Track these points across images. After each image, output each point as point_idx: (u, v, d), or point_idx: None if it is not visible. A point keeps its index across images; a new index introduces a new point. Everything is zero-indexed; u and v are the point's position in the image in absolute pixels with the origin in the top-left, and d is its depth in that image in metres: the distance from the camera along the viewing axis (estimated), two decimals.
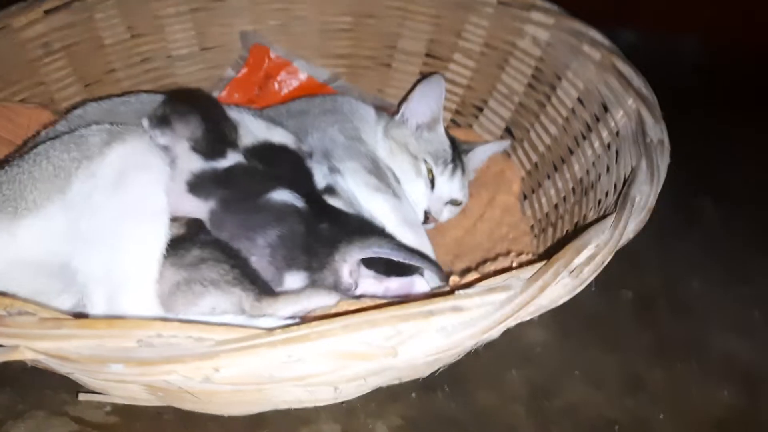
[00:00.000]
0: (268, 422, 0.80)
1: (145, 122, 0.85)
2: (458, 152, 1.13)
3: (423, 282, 0.85)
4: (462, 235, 1.13)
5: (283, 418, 0.80)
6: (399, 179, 1.06)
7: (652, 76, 0.93)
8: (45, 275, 0.73)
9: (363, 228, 0.86)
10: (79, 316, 0.64)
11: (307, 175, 0.96)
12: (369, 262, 0.82)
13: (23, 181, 0.75)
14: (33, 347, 0.55)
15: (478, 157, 1.20)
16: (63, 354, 0.54)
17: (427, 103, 1.10)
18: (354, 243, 0.80)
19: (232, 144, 0.90)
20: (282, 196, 0.84)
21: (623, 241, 0.69)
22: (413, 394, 0.86)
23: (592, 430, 0.86)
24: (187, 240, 0.79)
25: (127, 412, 0.80)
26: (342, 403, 0.78)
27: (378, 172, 1.00)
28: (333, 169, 0.97)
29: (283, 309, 0.72)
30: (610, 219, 0.69)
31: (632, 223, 0.71)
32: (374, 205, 0.94)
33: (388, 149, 1.10)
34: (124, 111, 0.99)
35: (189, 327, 0.53)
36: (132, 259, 0.72)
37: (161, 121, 0.85)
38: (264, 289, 0.76)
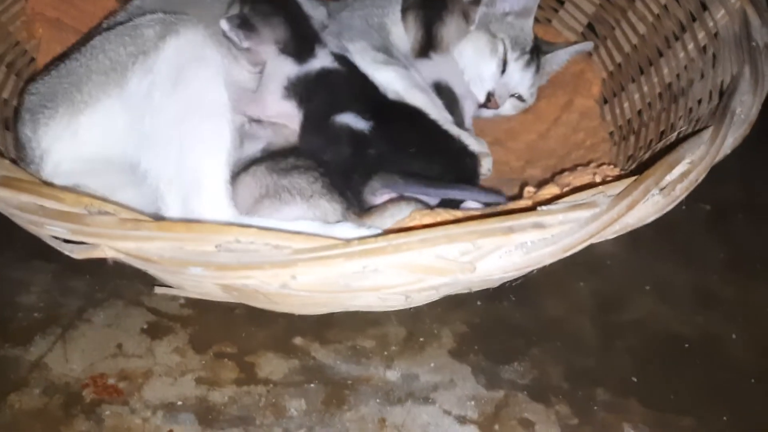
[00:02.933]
0: (337, 322, 0.82)
1: (224, 25, 0.82)
2: (538, 49, 1.06)
3: (477, 206, 0.83)
4: (535, 139, 1.07)
5: (351, 318, 0.81)
6: (470, 58, 1.02)
7: None
8: (115, 172, 0.74)
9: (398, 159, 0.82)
10: (157, 217, 0.64)
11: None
12: None
13: (80, 74, 0.75)
14: (114, 246, 0.55)
15: (557, 60, 1.13)
16: (143, 255, 0.55)
17: None
18: (377, 177, 0.78)
19: (319, 40, 0.87)
20: (344, 118, 0.82)
21: (720, 156, 0.64)
22: (478, 302, 0.86)
23: (660, 345, 0.84)
24: (287, 150, 0.79)
25: (200, 306, 0.83)
26: (409, 308, 0.78)
27: (387, 49, 0.97)
28: (342, 48, 0.94)
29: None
30: (707, 132, 0.63)
31: (731, 137, 0.66)
32: (381, 77, 0.91)
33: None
34: None
35: (267, 234, 0.53)
36: (199, 158, 0.72)
37: (243, 24, 0.82)
38: (351, 203, 0.75)
